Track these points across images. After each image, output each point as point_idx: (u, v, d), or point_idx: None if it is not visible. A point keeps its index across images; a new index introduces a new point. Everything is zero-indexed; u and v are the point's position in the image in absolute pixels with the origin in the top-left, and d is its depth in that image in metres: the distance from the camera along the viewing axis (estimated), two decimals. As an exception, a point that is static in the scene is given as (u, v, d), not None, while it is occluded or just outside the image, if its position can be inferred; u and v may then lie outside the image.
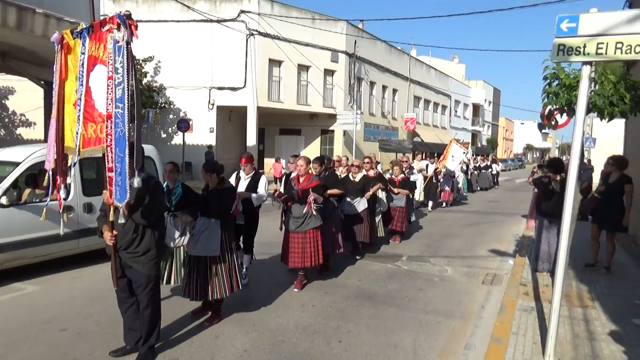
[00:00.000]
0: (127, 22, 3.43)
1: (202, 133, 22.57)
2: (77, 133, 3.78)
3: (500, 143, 68.03)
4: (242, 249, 6.43)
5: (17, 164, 6.36)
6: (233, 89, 22.50)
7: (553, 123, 5.71)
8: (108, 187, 3.61)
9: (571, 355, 4.30)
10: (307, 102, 25.08)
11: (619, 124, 14.50)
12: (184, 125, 20.41)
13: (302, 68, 24.52)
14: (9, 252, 6.08)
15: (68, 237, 6.74)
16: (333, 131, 26.37)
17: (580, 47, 3.85)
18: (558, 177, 6.78)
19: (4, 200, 6.03)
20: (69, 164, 4.10)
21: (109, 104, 3.49)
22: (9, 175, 6.24)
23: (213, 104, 22.76)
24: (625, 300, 5.91)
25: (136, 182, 3.59)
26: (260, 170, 6.79)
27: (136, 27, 3.47)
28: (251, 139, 22.83)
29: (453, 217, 13.82)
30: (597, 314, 5.40)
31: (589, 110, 5.24)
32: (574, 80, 5.01)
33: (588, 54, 3.82)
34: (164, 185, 5.28)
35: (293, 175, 6.39)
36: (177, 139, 22.01)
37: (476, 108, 53.62)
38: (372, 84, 29.90)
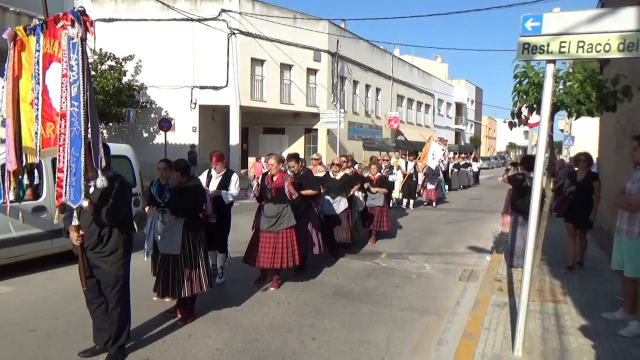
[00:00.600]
0: (81, 18, 3.36)
1: (185, 132, 22.42)
2: (36, 133, 3.70)
3: (483, 141, 68.79)
4: (216, 248, 6.43)
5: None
6: (215, 88, 22.40)
7: (522, 121, 5.79)
8: (56, 188, 3.51)
9: (540, 349, 4.38)
10: (290, 101, 25.08)
11: (595, 122, 14.78)
12: (166, 124, 20.24)
13: (285, 67, 24.50)
14: (-20, 253, 5.97)
15: (42, 237, 6.67)
16: (317, 130, 26.42)
17: (544, 46, 3.91)
18: (532, 174, 6.88)
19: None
20: (27, 164, 4.03)
21: (64, 102, 3.41)
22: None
23: (195, 103, 22.63)
24: (596, 294, 6.03)
25: (100, 182, 3.53)
26: (231, 169, 6.77)
27: (91, 23, 3.41)
28: (234, 138, 22.76)
29: (434, 215, 13.94)
30: (567, 309, 5.50)
31: (557, 108, 5.35)
32: (543, 79, 5.08)
33: (551, 52, 3.89)
34: (155, 181, 5.40)
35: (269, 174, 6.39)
36: (159, 139, 21.82)
37: (459, 107, 54.12)
38: (355, 83, 30.00)
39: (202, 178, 6.47)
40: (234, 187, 6.28)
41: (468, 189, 23.50)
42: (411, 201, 15.06)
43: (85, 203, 3.48)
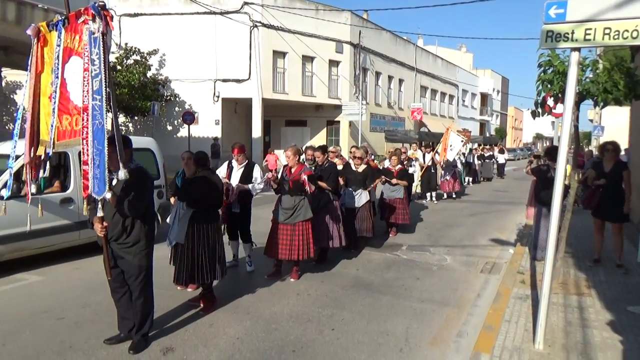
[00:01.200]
0: (102, 13, 3.39)
1: (208, 125, 22.65)
2: (51, 126, 3.77)
3: (509, 132, 67.46)
4: (238, 239, 6.54)
5: (17, 157, 6.44)
6: (238, 81, 22.54)
7: (546, 111, 5.67)
8: (82, 180, 3.58)
9: (562, 343, 4.31)
10: (312, 94, 25.05)
11: (626, 111, 14.34)
12: (190, 117, 20.49)
13: (307, 59, 24.46)
14: (10, 243, 6.20)
15: (69, 228, 6.87)
16: (339, 122, 26.34)
17: (568, 34, 3.81)
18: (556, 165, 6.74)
19: (4, 192, 6.13)
20: (42, 158, 4.08)
21: (85, 96, 3.46)
22: (9, 167, 6.33)
23: (218, 96, 22.82)
24: (622, 288, 5.89)
25: (122, 174, 3.59)
26: (253, 161, 6.86)
27: (111, 18, 3.45)
28: (256, 131, 22.90)
29: (456, 207, 13.79)
30: (592, 302, 5.39)
31: (583, 98, 5.21)
32: (568, 67, 4.96)
33: (576, 40, 3.79)
34: (180, 172, 5.51)
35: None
36: (183, 132, 22.10)
37: (484, 97, 53.16)
38: (377, 74, 29.75)
39: (223, 169, 6.56)
40: (260, 179, 6.38)
41: (492, 182, 23.12)
42: (433, 194, 14.70)
43: (108, 195, 3.54)
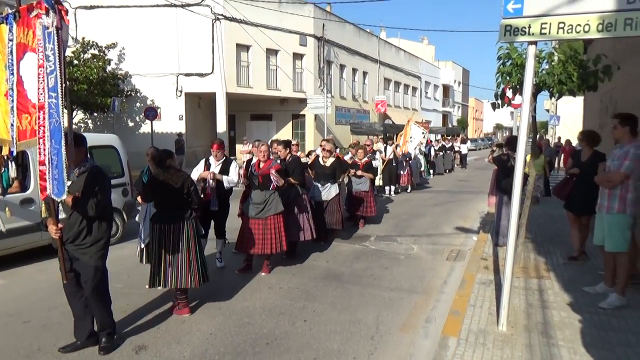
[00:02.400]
0: (55, 6, 3.26)
1: (171, 121, 22.24)
2: (12, 125, 3.62)
3: (471, 123, 69.13)
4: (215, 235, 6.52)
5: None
6: (201, 75, 22.20)
7: (505, 102, 5.88)
8: (39, 181, 3.44)
9: (524, 324, 4.52)
10: (277, 87, 24.94)
11: (581, 101, 14.96)
12: (152, 113, 20.08)
13: (271, 52, 24.31)
14: (-31, 247, 5.97)
15: (30, 229, 6.66)
16: (304, 115, 26.35)
17: (525, 28, 3.97)
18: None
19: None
20: (6, 158, 3.93)
21: (41, 94, 3.32)
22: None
23: (181, 91, 22.42)
24: (578, 269, 6.20)
25: (76, 173, 3.54)
26: (232, 157, 6.82)
27: (66, 12, 3.31)
28: (221, 126, 22.64)
29: (421, 197, 14.10)
30: (551, 284, 5.66)
31: (539, 89, 5.44)
32: (525, 60, 5.16)
33: (533, 34, 3.95)
34: (145, 170, 5.41)
35: (254, 160, 6.41)
36: (146, 128, 21.62)
37: (446, 89, 54.22)
38: (342, 67, 29.88)
39: (200, 167, 6.48)
40: (234, 173, 6.33)
41: (455, 172, 23.68)
42: (392, 188, 14.28)
43: (64, 196, 3.42)
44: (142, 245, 5.57)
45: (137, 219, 5.96)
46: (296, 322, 4.79)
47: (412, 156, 15.05)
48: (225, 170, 6.36)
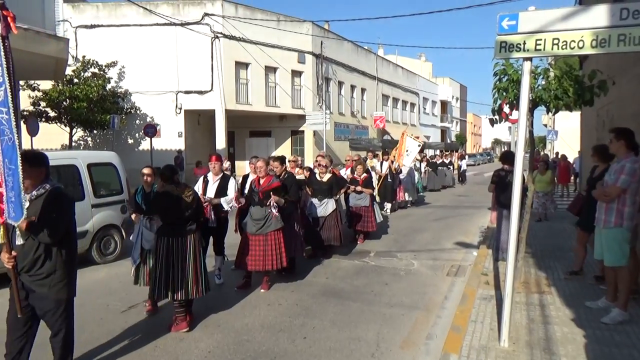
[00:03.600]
0: (1, 13, 2.94)
1: (171, 138, 22.30)
2: None
3: (469, 138, 69.42)
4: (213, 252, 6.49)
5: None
6: (200, 92, 22.33)
7: (503, 118, 5.91)
8: None
9: (525, 339, 4.48)
10: (275, 104, 25.08)
11: (578, 116, 15.03)
12: (151, 130, 20.13)
13: (270, 70, 24.51)
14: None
15: None
16: (303, 132, 26.44)
17: (520, 44, 4.02)
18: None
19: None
20: None
21: None
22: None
23: (180, 108, 22.52)
24: (580, 284, 6.16)
25: (34, 195, 3.31)
26: (232, 173, 6.82)
27: (13, 18, 2.98)
28: (220, 143, 22.69)
29: (421, 213, 14.08)
30: (552, 299, 5.63)
31: (536, 104, 5.47)
32: (521, 76, 5.21)
33: (528, 50, 4.00)
34: (139, 189, 5.40)
35: (252, 177, 6.40)
36: (145, 145, 21.67)
37: (444, 105, 54.55)
38: (340, 83, 30.10)
39: (199, 184, 6.48)
40: (232, 192, 6.32)
41: (455, 187, 23.66)
42: (388, 206, 13.69)
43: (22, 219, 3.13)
44: (134, 267, 5.54)
45: (131, 238, 5.95)
46: (296, 339, 4.74)
47: (407, 171, 14.46)
48: (223, 187, 6.35)
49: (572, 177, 18.98)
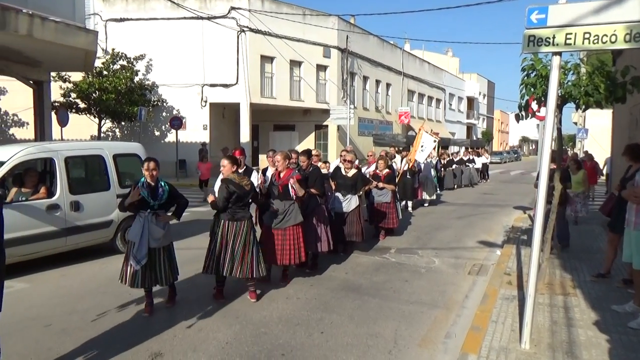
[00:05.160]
0: None
1: (196, 130, 22.58)
2: None
3: (496, 136, 68.19)
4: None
5: (1, 164, 6.40)
6: (225, 85, 22.51)
7: (530, 114, 5.76)
8: None
9: (548, 342, 4.37)
10: (300, 98, 25.11)
11: (610, 114, 14.58)
12: (177, 122, 20.44)
13: (295, 64, 24.52)
14: (-4, 250, 6.11)
15: (56, 235, 6.80)
16: (327, 126, 26.42)
17: (549, 38, 3.90)
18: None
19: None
20: None
21: None
22: (-7, 174, 6.27)
23: (206, 101, 22.76)
24: (607, 287, 5.99)
25: None
26: (253, 167, 6.83)
27: None
28: (245, 136, 22.87)
29: (444, 210, 13.90)
30: (577, 302, 5.48)
31: (565, 101, 5.31)
32: (550, 71, 5.06)
33: (557, 44, 3.88)
34: (143, 183, 4.95)
35: (271, 170, 6.40)
36: (171, 137, 22.03)
37: (470, 101, 53.71)
38: (365, 78, 29.92)
39: (219, 179, 6.51)
40: (256, 183, 6.34)
41: (479, 185, 23.23)
42: (409, 203, 13.33)
43: None
44: (137, 267, 4.90)
45: (127, 236, 5.38)
46: (313, 333, 4.74)
47: (421, 168, 13.97)
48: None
49: (604, 177, 18.36)
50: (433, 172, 15.50)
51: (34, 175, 6.92)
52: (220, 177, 6.58)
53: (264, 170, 6.48)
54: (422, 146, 12.91)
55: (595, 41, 3.72)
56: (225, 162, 5.44)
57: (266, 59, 23.34)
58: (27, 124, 21.09)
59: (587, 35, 3.75)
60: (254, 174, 6.54)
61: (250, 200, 5.57)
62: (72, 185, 7.06)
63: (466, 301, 5.86)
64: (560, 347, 4.25)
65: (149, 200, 4.98)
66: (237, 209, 5.35)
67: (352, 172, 7.89)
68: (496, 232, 10.42)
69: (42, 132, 11.95)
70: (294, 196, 5.96)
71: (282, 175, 6.08)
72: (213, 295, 5.66)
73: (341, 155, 8.37)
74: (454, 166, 20.23)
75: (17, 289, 6.03)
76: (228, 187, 5.26)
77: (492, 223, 11.67)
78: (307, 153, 7.03)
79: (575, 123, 28.57)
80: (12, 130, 22.38)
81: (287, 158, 6.16)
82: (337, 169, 8.17)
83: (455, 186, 20.27)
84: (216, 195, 5.58)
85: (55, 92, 18.05)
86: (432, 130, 14.68)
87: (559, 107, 5.43)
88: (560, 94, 5.15)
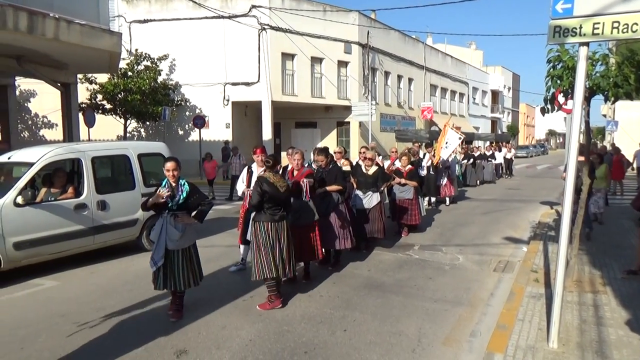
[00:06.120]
0: None
1: (219, 129, 22.79)
2: None
3: (522, 129, 66.85)
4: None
5: (31, 165, 6.57)
6: (247, 84, 22.64)
7: (556, 106, 5.61)
8: None
9: (576, 341, 4.26)
10: (321, 95, 25.06)
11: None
12: (200, 121, 20.69)
13: (316, 60, 24.48)
14: (26, 249, 6.30)
15: (84, 233, 6.96)
16: (349, 123, 26.31)
17: (576, 28, 3.78)
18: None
19: (19, 199, 6.25)
20: None
21: None
22: (23, 175, 6.45)
23: (228, 100, 22.94)
24: (638, 285, 5.81)
25: None
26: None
27: None
28: (267, 134, 22.97)
29: (468, 206, 13.69)
30: (607, 300, 5.33)
31: (593, 93, 5.15)
32: (577, 62, 4.91)
33: (584, 34, 3.75)
34: (164, 183, 4.92)
35: (288, 168, 6.37)
36: (194, 136, 22.31)
37: (495, 95, 52.74)
38: (386, 74, 29.67)
39: (243, 175, 6.55)
40: None
41: (505, 180, 22.80)
42: (432, 199, 13.20)
43: None
44: (153, 268, 4.94)
45: (151, 237, 5.33)
46: (336, 331, 4.73)
47: (450, 164, 13.72)
48: None
49: (634, 171, 17.73)
50: (458, 168, 15.26)
51: (63, 175, 7.09)
52: (242, 177, 6.62)
53: (284, 169, 6.44)
54: (446, 142, 12.74)
55: (625, 30, 3.59)
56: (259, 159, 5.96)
57: (287, 57, 23.36)
58: (56, 125, 21.63)
59: (615, 25, 3.62)
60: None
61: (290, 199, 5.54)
62: (98, 184, 7.21)
63: (491, 299, 5.76)
64: (590, 347, 4.14)
65: (167, 201, 4.87)
66: (275, 209, 5.23)
67: (372, 170, 7.83)
68: (522, 228, 10.22)
69: (70, 133, 12.25)
70: (306, 192, 5.84)
71: (295, 173, 6.00)
72: (268, 302, 5.34)
73: (360, 153, 8.30)
74: (470, 160, 19.11)
75: (47, 287, 6.20)
76: (262, 186, 5.11)
77: (518, 219, 11.45)
78: (325, 152, 6.90)
79: (605, 115, 27.74)
80: (42, 132, 22.99)
81: (303, 157, 6.07)
82: (358, 166, 8.12)
83: (478, 182, 19.51)
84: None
85: (82, 93, 18.46)
86: (454, 124, 14.38)
87: (587, 100, 5.27)
88: (587, 86, 5.00)
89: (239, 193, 6.59)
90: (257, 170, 6.45)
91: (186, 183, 5.07)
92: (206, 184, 15.31)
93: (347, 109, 24.85)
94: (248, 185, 6.23)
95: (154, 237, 5.00)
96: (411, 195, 9.00)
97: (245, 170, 6.65)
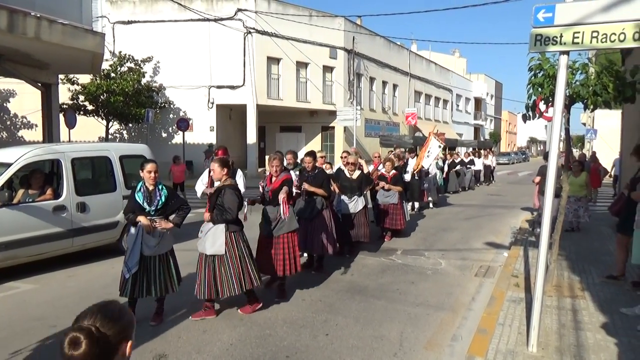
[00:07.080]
0: None
1: (203, 132, 22.65)
2: None
3: (504, 137, 67.81)
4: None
5: (8, 165, 6.43)
6: (232, 87, 22.57)
7: (537, 114, 5.70)
8: None
9: (555, 345, 4.31)
10: (306, 99, 25.12)
11: (619, 115, 14.40)
12: (184, 124, 20.50)
13: (301, 65, 24.54)
14: (2, 251, 6.15)
15: (62, 236, 6.83)
16: (333, 128, 26.41)
17: (557, 37, 3.85)
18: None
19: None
20: None
21: None
22: (0, 176, 6.31)
23: (212, 103, 22.83)
24: (615, 289, 5.90)
25: None
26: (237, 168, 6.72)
27: None
28: (251, 137, 22.91)
29: (451, 211, 13.82)
30: (586, 304, 5.41)
31: (573, 101, 5.25)
32: (557, 70, 5.01)
33: (564, 43, 3.83)
34: (140, 186, 4.78)
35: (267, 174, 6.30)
36: (178, 138, 22.11)
37: (478, 102, 53.47)
38: (371, 79, 29.88)
39: (204, 176, 6.45)
40: (241, 183, 6.24)
41: (482, 187, 23.07)
42: (416, 205, 13.27)
43: None
44: (127, 275, 4.75)
45: (123, 242, 5.28)
46: (318, 335, 4.71)
47: (430, 172, 13.90)
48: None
49: (610, 178, 18.05)
50: (439, 174, 15.54)
51: (41, 176, 6.95)
52: (202, 178, 6.44)
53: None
54: (428, 151, 12.86)
55: (604, 40, 3.67)
56: (214, 166, 4.93)
57: (272, 61, 23.37)
58: (36, 126, 21.24)
59: (595, 34, 3.70)
60: (239, 172, 6.41)
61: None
62: (78, 186, 7.08)
63: (473, 303, 5.81)
64: (568, 351, 4.19)
65: (144, 205, 4.72)
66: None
67: (356, 174, 7.85)
68: (503, 234, 10.34)
69: (50, 134, 12.03)
70: (282, 201, 5.40)
71: (274, 180, 5.61)
72: (249, 306, 5.26)
73: (342, 158, 8.31)
74: (455, 167, 19.14)
75: (24, 290, 6.06)
76: (237, 194, 4.94)
77: (499, 224, 11.58)
78: (312, 154, 6.87)
79: (584, 124, 28.31)
80: (21, 133, 22.56)
81: (282, 162, 5.76)
82: (340, 171, 8.12)
83: (460, 189, 19.47)
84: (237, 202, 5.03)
85: (64, 94, 18.18)
86: (437, 130, 14.53)
87: (567, 107, 5.37)
88: (568, 94, 5.10)
89: (199, 194, 6.47)
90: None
91: (164, 187, 4.96)
92: (193, 186, 15.04)
93: (332, 114, 24.95)
94: (210, 187, 6.00)
95: (129, 242, 4.83)
96: (396, 200, 9.03)
97: (206, 171, 6.54)
